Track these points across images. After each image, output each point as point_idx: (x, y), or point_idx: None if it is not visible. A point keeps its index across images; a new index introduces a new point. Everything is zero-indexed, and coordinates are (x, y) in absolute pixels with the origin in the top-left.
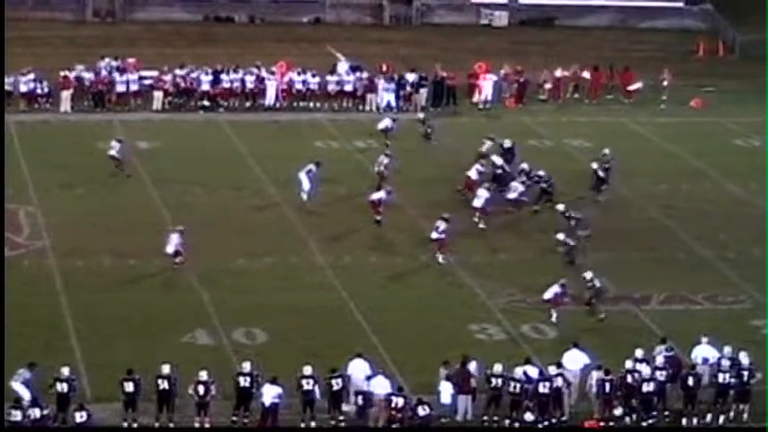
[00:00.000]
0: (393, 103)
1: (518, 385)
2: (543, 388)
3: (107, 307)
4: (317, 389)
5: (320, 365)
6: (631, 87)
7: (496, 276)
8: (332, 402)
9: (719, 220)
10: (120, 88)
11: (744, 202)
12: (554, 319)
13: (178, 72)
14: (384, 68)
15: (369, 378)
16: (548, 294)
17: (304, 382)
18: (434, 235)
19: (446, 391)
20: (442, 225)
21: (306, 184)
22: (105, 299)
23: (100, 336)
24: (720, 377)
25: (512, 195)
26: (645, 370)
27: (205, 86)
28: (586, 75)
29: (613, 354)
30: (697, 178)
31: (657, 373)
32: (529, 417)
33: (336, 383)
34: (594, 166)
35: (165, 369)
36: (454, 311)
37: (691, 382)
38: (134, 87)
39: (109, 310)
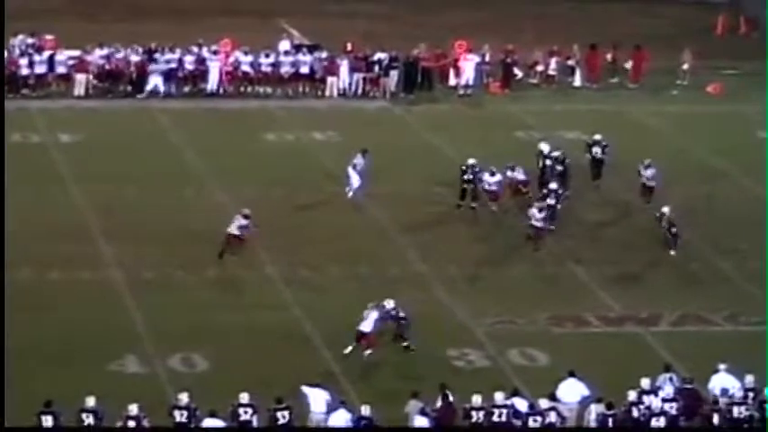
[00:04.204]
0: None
1: (503, 412)
2: (534, 422)
3: (23, 327)
4: (255, 419)
5: (270, 397)
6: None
7: (481, 293)
8: None
9: (741, 227)
10: (38, 70)
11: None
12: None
13: (100, 51)
14: (348, 47)
15: (329, 411)
16: (367, 326)
17: (241, 410)
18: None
19: (420, 426)
20: (242, 221)
21: (355, 180)
22: (21, 318)
23: (12, 361)
24: (735, 411)
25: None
26: (655, 402)
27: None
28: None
29: (617, 384)
30: (714, 177)
31: (667, 405)
32: None
33: (282, 416)
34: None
35: (91, 402)
36: (430, 333)
37: (716, 419)
38: (61, 69)
39: (25, 332)
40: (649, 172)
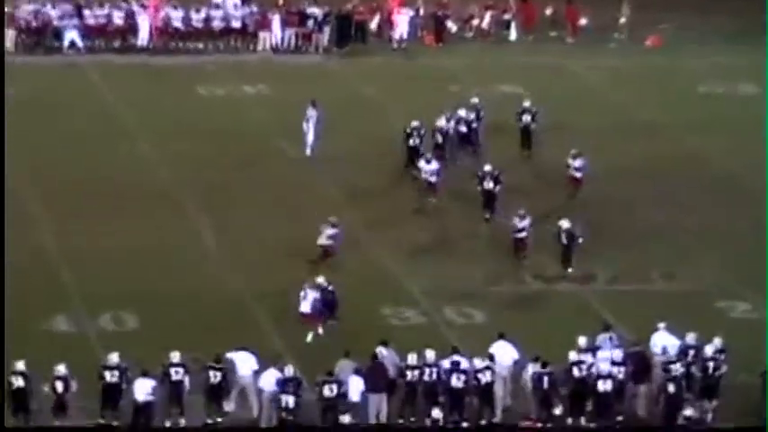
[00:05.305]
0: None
1: (434, 371)
2: (457, 381)
3: None
4: (186, 379)
5: (202, 355)
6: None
7: (418, 252)
8: (210, 397)
9: (678, 183)
10: None
11: (707, 160)
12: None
13: (28, 7)
14: (280, 2)
15: (257, 372)
16: (305, 306)
17: (172, 371)
18: (324, 241)
19: (355, 387)
20: (329, 230)
21: (310, 136)
22: None
23: None
24: (672, 368)
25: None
26: (602, 365)
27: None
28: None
29: (553, 342)
30: (652, 133)
31: (615, 369)
32: (436, 413)
33: (214, 376)
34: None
35: (20, 365)
36: (365, 292)
37: (672, 388)
38: None
39: None
40: (578, 162)
